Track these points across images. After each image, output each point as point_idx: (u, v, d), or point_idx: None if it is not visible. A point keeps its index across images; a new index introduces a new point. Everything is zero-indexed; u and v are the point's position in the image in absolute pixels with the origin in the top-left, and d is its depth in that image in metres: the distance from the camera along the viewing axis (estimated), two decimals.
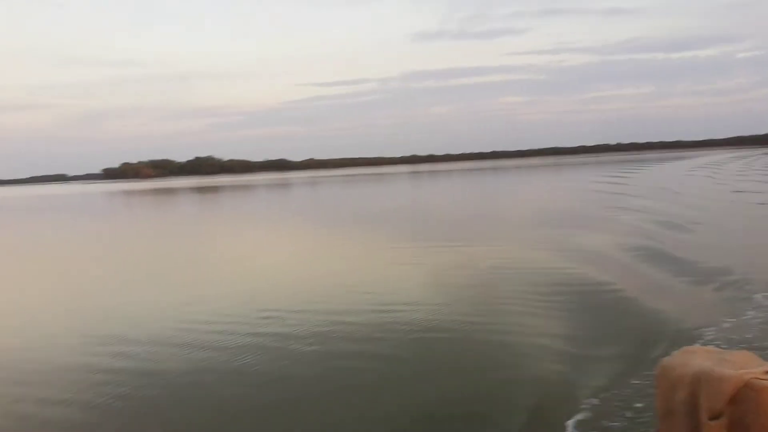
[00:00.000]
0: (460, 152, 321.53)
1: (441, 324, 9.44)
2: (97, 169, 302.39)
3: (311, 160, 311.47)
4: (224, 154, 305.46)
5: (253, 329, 9.72)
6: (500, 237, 20.16)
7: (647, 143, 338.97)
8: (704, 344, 6.76)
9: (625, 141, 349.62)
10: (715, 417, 3.06)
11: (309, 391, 7.13)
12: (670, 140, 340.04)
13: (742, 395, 2.97)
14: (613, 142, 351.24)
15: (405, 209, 35.42)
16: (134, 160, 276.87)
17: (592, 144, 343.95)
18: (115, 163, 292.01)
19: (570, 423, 5.81)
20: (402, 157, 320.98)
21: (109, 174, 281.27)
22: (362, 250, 18.89)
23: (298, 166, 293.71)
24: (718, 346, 5.75)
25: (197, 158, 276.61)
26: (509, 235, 20.36)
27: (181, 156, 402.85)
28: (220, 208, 48.47)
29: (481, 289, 11.96)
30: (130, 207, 58.10)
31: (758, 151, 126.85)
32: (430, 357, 8.08)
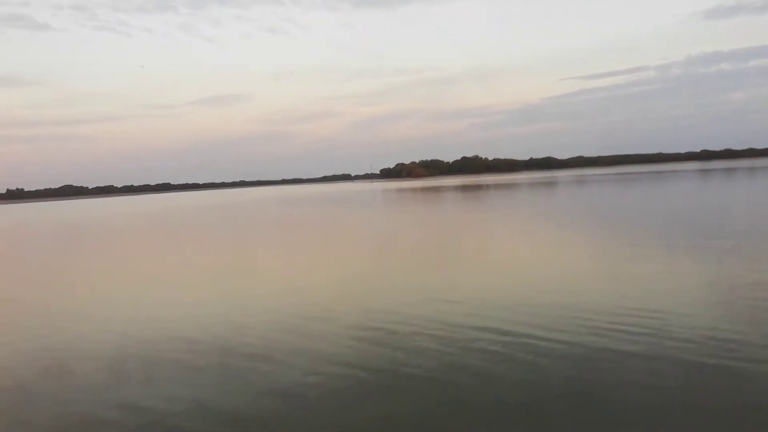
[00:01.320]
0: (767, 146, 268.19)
1: None
2: (375, 170, 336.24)
3: (579, 157, 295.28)
4: (488, 153, 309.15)
5: None
6: None
7: None
8: None
9: None
10: None
11: None
12: None
13: None
14: None
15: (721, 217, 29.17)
16: (406, 161, 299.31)
17: None
18: (390, 164, 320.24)
19: None
20: (689, 152, 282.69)
21: (386, 174, 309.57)
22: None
23: (565, 164, 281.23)
24: None
25: (464, 158, 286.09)
26: None
27: (448, 156, 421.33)
28: (509, 205, 47.38)
29: None
30: (429, 202, 61.21)
31: None
32: None
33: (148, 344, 10.81)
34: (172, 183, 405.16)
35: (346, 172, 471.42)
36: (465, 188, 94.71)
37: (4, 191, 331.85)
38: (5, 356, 10.82)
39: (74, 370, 9.68)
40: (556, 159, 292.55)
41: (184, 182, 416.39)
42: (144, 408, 7.70)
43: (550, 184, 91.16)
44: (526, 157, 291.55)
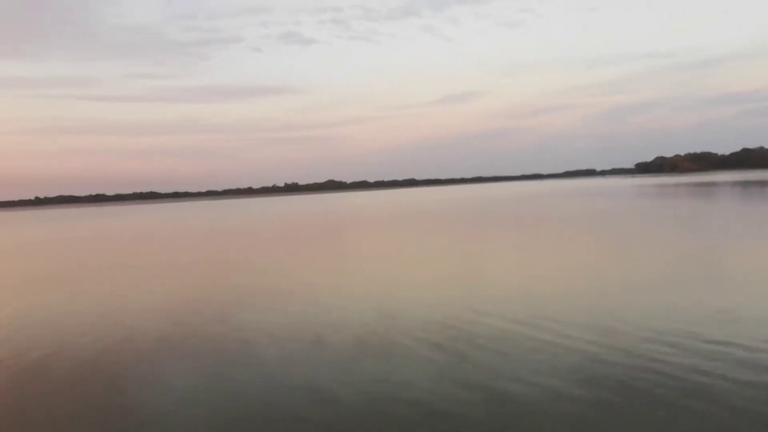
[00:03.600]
0: None
1: None
2: (626, 164, 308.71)
3: None
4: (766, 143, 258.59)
5: None
6: None
7: None
8: None
9: None
10: None
11: None
12: None
13: None
14: None
15: None
16: (662, 154, 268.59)
17: None
18: (643, 158, 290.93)
19: None
20: None
21: (642, 168, 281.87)
22: None
23: None
24: None
25: (744, 149, 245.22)
26: None
27: (715, 148, 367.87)
28: None
29: None
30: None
31: None
32: None
33: (391, 324, 12.23)
34: (416, 179, 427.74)
35: (589, 167, 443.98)
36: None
37: (282, 185, 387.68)
38: (279, 324, 12.94)
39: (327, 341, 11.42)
40: None
41: (427, 178, 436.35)
42: (378, 381, 8.90)
43: None
44: None
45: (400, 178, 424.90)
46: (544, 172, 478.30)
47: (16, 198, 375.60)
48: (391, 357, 10.13)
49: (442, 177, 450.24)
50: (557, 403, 7.65)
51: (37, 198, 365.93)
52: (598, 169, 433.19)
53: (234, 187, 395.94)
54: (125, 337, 12.57)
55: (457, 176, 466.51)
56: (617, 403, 7.51)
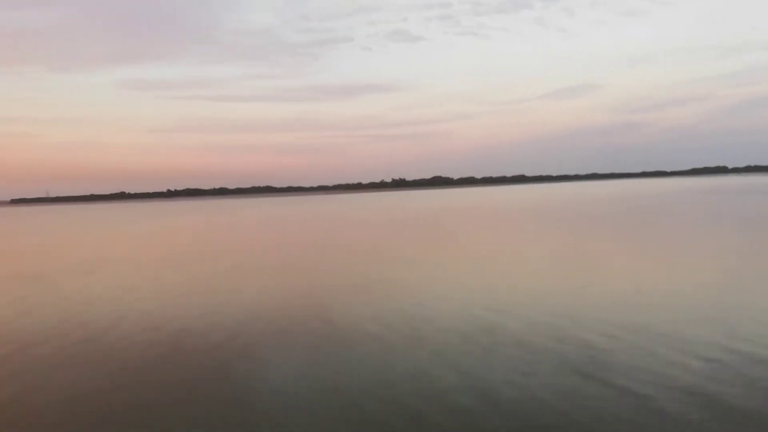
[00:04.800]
0: None
1: None
2: (761, 161, 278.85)
3: None
4: None
5: None
6: None
7: None
8: None
9: None
10: None
11: None
12: None
13: None
14: None
15: None
16: None
17: None
18: None
19: None
20: None
21: None
22: None
23: None
24: None
25: None
26: None
27: None
28: None
29: None
30: None
31: None
32: None
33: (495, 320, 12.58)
34: (526, 175, 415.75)
35: (720, 164, 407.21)
36: None
37: (389, 180, 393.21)
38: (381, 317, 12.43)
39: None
40: None
41: (537, 174, 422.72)
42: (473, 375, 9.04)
43: None
44: None
45: (509, 174, 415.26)
46: (668, 169, 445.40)
47: (151, 190, 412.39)
48: (494, 354, 10.13)
49: (554, 174, 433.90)
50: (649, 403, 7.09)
51: (168, 191, 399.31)
52: (730, 166, 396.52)
53: (343, 182, 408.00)
54: (241, 320, 13.37)
55: (571, 173, 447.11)
56: None
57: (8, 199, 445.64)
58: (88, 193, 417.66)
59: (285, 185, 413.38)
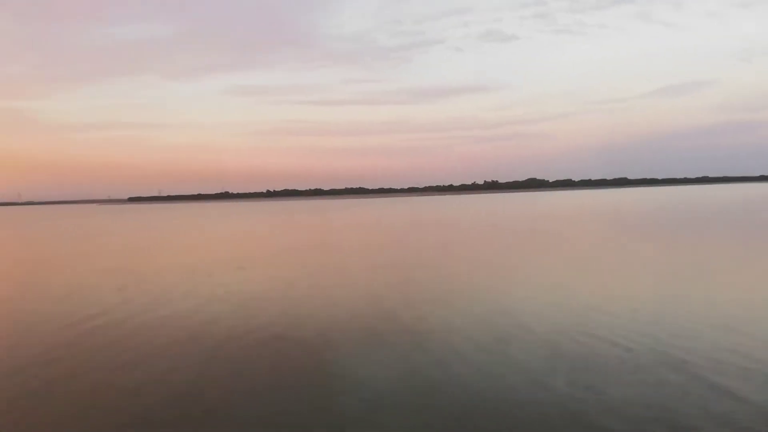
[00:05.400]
0: None
1: None
2: None
3: None
4: None
5: None
6: None
7: None
8: None
9: None
10: None
11: None
12: None
13: None
14: None
15: None
16: None
17: None
18: None
19: None
20: None
21: None
22: None
23: None
24: None
25: None
26: None
27: None
28: None
29: None
30: None
31: None
32: None
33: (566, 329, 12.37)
34: (628, 178, 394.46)
35: None
36: None
37: (481, 182, 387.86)
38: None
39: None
40: None
41: (641, 177, 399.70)
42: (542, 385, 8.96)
43: None
44: None
45: (609, 176, 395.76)
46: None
47: (251, 191, 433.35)
48: (588, 363, 9.95)
49: (659, 177, 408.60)
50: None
51: (267, 191, 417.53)
52: None
53: (434, 184, 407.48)
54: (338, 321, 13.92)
55: (679, 176, 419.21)
56: None
57: (126, 197, 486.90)
58: (196, 193, 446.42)
59: (377, 187, 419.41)
